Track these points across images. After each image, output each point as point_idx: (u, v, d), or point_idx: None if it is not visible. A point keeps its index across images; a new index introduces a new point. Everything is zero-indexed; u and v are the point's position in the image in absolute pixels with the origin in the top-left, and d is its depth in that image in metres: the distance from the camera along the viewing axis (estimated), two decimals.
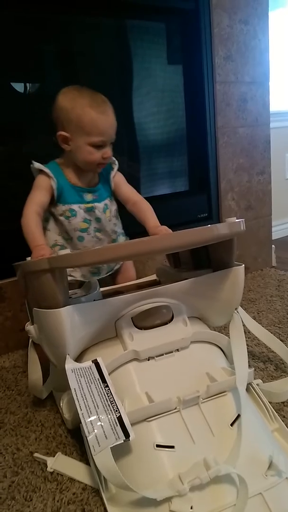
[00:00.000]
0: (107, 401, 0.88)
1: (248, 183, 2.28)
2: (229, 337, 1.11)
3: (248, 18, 2.09)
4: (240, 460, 0.83)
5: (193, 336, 1.06)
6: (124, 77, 1.92)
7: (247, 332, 1.15)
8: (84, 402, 0.87)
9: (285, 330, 1.64)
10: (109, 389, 0.91)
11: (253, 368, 1.09)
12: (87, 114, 1.28)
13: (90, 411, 0.86)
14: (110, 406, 0.87)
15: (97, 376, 0.93)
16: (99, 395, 0.89)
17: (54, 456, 1.05)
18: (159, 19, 1.96)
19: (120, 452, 0.86)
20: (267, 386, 1.22)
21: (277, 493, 0.83)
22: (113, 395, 0.90)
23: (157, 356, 1.02)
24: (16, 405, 1.32)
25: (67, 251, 0.93)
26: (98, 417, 0.85)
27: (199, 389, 0.95)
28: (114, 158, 1.42)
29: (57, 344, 0.98)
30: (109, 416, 0.85)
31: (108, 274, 1.56)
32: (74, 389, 0.89)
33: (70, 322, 0.96)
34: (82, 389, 0.90)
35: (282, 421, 1.06)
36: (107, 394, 0.90)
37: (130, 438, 0.83)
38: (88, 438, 0.82)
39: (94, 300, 1.12)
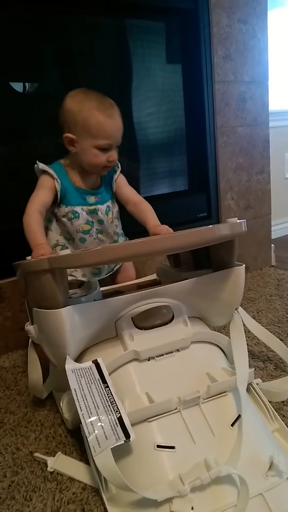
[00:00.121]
0: (107, 402, 0.88)
1: (247, 183, 2.28)
2: (229, 337, 1.11)
3: (247, 18, 2.08)
4: (241, 461, 0.83)
5: (194, 336, 1.06)
6: (124, 77, 1.92)
7: (246, 331, 1.15)
8: (85, 402, 0.87)
9: (284, 329, 1.64)
10: (109, 389, 0.90)
11: (254, 368, 1.09)
12: (94, 117, 1.28)
13: (91, 412, 0.86)
14: (111, 406, 0.87)
15: (97, 376, 0.93)
16: (99, 395, 0.89)
17: (54, 456, 1.05)
18: (158, 19, 1.96)
19: (120, 452, 0.86)
20: (267, 385, 1.22)
21: (278, 494, 0.82)
22: (114, 395, 0.89)
23: (157, 356, 1.02)
24: (16, 405, 1.32)
25: (67, 251, 0.93)
26: (99, 417, 0.85)
27: (200, 389, 0.95)
28: (117, 161, 1.42)
29: (57, 344, 0.97)
30: (109, 417, 0.85)
31: (109, 274, 1.56)
32: (74, 389, 0.89)
33: (70, 322, 0.96)
34: (82, 389, 0.90)
35: (282, 420, 1.06)
36: (108, 394, 0.89)
37: (130, 438, 0.82)
38: (88, 439, 0.82)
39: (94, 300, 1.12)
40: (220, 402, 0.96)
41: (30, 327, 1.07)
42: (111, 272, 1.57)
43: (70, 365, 0.95)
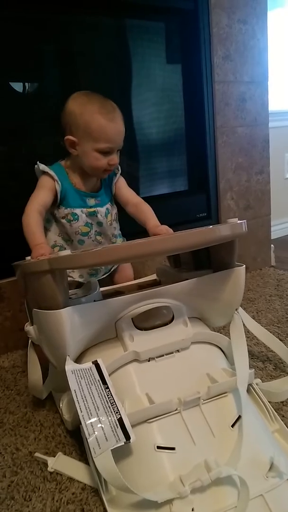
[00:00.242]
0: (107, 403, 0.88)
1: (247, 183, 2.28)
2: (228, 337, 1.11)
3: (247, 18, 2.08)
4: (241, 462, 0.83)
5: (194, 337, 1.06)
6: (123, 77, 1.92)
7: (246, 332, 1.15)
8: (85, 403, 0.87)
9: (284, 329, 1.64)
10: (109, 390, 0.90)
11: (254, 369, 1.09)
12: (96, 120, 1.28)
13: (91, 413, 0.85)
14: (111, 407, 0.87)
15: (97, 377, 0.93)
16: (99, 396, 0.89)
17: (53, 456, 1.05)
18: (158, 19, 1.95)
19: (120, 453, 0.86)
20: (266, 385, 1.22)
21: (278, 495, 0.82)
22: (114, 396, 0.89)
23: (157, 357, 1.02)
24: (15, 405, 1.32)
25: (67, 252, 0.92)
26: (99, 419, 0.84)
27: (200, 390, 0.95)
28: (118, 164, 1.42)
29: (57, 345, 0.97)
30: (109, 418, 0.85)
31: (106, 275, 1.56)
32: (74, 390, 0.89)
33: (70, 323, 0.95)
34: (82, 390, 0.89)
35: (282, 420, 1.06)
36: (108, 395, 0.89)
37: (131, 440, 0.82)
38: (88, 440, 0.81)
39: (94, 301, 1.11)
40: (220, 403, 0.96)
41: (29, 328, 1.06)
42: (108, 273, 1.57)
43: (70, 366, 0.94)
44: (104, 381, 0.92)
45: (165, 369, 1.00)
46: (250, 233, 2.33)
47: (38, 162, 1.36)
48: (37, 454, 1.06)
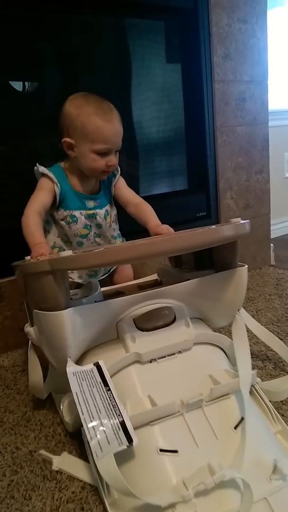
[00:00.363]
0: (109, 405, 0.87)
1: (246, 182, 2.28)
2: (230, 338, 1.10)
3: (247, 17, 2.08)
4: (244, 464, 0.82)
5: (196, 338, 1.05)
6: (123, 76, 1.91)
7: (246, 331, 1.14)
8: (86, 406, 0.86)
9: (283, 328, 1.64)
10: (111, 392, 0.89)
11: (256, 370, 1.08)
12: (92, 121, 1.27)
13: (92, 416, 0.84)
14: (113, 410, 0.86)
15: (98, 379, 0.92)
16: (101, 399, 0.88)
17: (53, 455, 1.05)
18: (158, 18, 1.95)
19: (122, 457, 0.85)
20: (266, 384, 1.21)
21: (282, 498, 0.82)
22: (115, 398, 0.88)
23: (159, 358, 1.01)
24: (15, 404, 1.31)
25: (69, 252, 0.91)
26: (101, 421, 0.83)
27: (202, 391, 0.94)
28: (117, 165, 1.41)
29: (58, 346, 0.96)
30: (111, 421, 0.84)
31: (105, 275, 1.55)
32: (76, 393, 0.88)
33: (71, 324, 0.94)
34: (84, 393, 0.88)
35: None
36: (109, 398, 0.88)
37: (133, 443, 0.81)
38: (90, 444, 0.81)
39: (95, 302, 1.10)
40: (223, 404, 0.95)
41: (30, 329, 1.05)
42: (108, 274, 1.56)
43: (71, 368, 0.93)
44: (105, 383, 0.91)
45: (167, 371, 0.99)
46: (249, 232, 2.31)
47: (37, 164, 1.35)
48: (42, 452, 1.06)
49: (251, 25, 2.10)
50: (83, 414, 0.84)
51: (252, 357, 1.41)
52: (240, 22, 2.06)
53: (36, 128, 1.73)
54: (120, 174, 1.48)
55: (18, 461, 1.07)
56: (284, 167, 3.05)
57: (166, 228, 1.32)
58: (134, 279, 1.55)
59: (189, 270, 1.31)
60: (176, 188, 2.18)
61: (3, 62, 1.60)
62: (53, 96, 1.74)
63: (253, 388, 1.07)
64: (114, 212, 1.49)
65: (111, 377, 0.94)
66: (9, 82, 1.65)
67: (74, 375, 0.92)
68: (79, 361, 1.05)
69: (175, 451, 0.86)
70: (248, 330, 1.22)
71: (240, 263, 1.13)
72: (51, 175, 1.33)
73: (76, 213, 1.37)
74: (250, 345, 1.47)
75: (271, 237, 2.50)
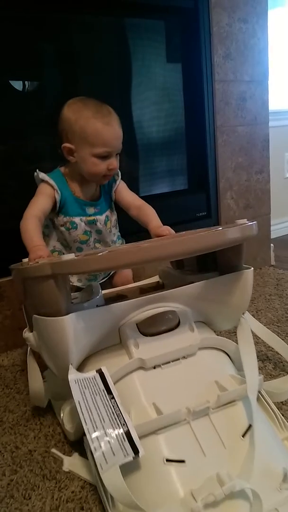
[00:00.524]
0: (113, 414, 0.84)
1: (247, 182, 2.27)
2: (234, 341, 1.08)
3: (247, 17, 2.07)
4: (253, 474, 0.80)
5: (201, 343, 1.02)
6: (123, 76, 1.90)
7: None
8: (89, 415, 0.83)
9: (283, 328, 1.64)
10: (115, 400, 0.86)
11: (263, 375, 1.05)
12: (91, 125, 1.25)
13: (96, 426, 0.81)
14: (117, 419, 0.83)
15: (101, 386, 0.89)
16: (104, 407, 0.85)
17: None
18: (158, 18, 1.94)
19: (127, 468, 0.81)
20: (266, 385, 1.17)
21: None
22: (119, 407, 0.85)
23: (163, 364, 0.98)
24: (15, 404, 1.31)
25: (71, 256, 0.88)
26: (105, 431, 0.81)
27: (209, 398, 0.91)
28: (118, 170, 1.39)
29: (60, 353, 0.93)
30: (116, 431, 0.81)
31: (105, 279, 1.54)
32: (79, 401, 0.85)
33: (73, 330, 0.91)
34: (87, 401, 0.85)
35: None
36: (113, 406, 0.85)
37: (139, 454, 0.78)
38: (95, 456, 0.78)
39: (97, 306, 1.07)
40: (230, 411, 0.92)
41: (29, 335, 1.03)
42: (107, 277, 1.55)
43: (73, 376, 0.90)
44: (109, 391, 0.88)
45: (172, 377, 0.97)
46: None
47: (37, 170, 1.33)
48: (54, 451, 1.06)
49: (251, 25, 2.09)
50: (86, 424, 0.81)
51: None
52: (241, 22, 2.05)
53: (36, 128, 1.71)
54: (121, 178, 1.46)
55: (18, 460, 1.07)
56: (284, 167, 3.03)
57: (168, 229, 1.30)
58: (134, 281, 1.53)
59: (191, 272, 1.29)
60: (176, 188, 2.17)
61: (3, 62, 1.59)
62: (53, 96, 1.72)
63: (259, 393, 1.04)
64: (114, 217, 1.48)
65: (114, 384, 0.91)
66: (9, 81, 1.64)
67: (76, 382, 0.89)
68: (80, 368, 1.02)
69: (182, 461, 0.83)
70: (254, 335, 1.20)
71: (245, 265, 1.11)
72: (51, 182, 1.31)
73: (76, 219, 1.36)
74: None
75: (271, 237, 2.50)
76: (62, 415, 1.09)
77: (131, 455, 0.78)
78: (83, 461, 1.01)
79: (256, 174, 2.30)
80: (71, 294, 1.19)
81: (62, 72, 1.78)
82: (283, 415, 1.09)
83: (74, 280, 1.44)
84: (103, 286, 1.42)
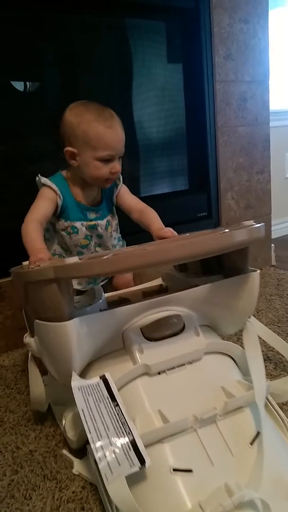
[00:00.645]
0: (118, 422, 0.81)
1: (247, 182, 2.27)
2: (240, 346, 1.05)
3: (248, 17, 2.07)
4: (263, 483, 0.78)
5: (206, 347, 1.00)
6: (124, 76, 1.89)
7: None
8: (93, 424, 0.80)
9: (284, 329, 1.64)
10: (119, 408, 0.84)
11: (269, 381, 1.03)
12: (93, 128, 1.24)
13: (100, 434, 0.79)
14: (122, 427, 0.80)
15: (105, 393, 0.86)
16: (109, 415, 0.82)
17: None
18: (159, 18, 1.93)
19: (132, 477, 0.78)
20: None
21: None
22: (124, 414, 0.83)
23: (168, 370, 0.95)
24: (16, 404, 1.31)
25: (75, 259, 0.86)
26: (109, 440, 0.78)
27: (216, 405, 0.89)
28: (120, 174, 1.38)
29: (62, 359, 0.91)
30: (121, 440, 0.78)
31: (104, 282, 1.53)
32: (82, 409, 0.82)
33: (76, 335, 0.89)
34: (91, 409, 0.83)
35: None
36: (118, 414, 0.83)
37: (146, 464, 0.76)
38: (99, 466, 0.75)
39: (100, 310, 1.05)
40: (237, 418, 0.90)
41: (29, 340, 1.00)
42: (107, 279, 1.54)
43: (76, 382, 0.88)
44: (113, 398, 0.85)
45: (177, 383, 0.94)
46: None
47: (39, 175, 1.32)
48: (64, 452, 1.05)
49: (252, 25, 2.09)
50: (90, 432, 0.79)
51: None
52: (242, 22, 2.04)
53: (37, 128, 1.70)
54: (122, 181, 1.45)
55: (19, 460, 1.06)
56: (285, 168, 3.03)
57: (170, 231, 1.29)
58: (134, 282, 1.52)
59: (195, 275, 1.26)
60: (177, 188, 2.17)
61: (4, 62, 1.58)
62: (53, 96, 1.72)
63: (266, 399, 1.01)
64: (115, 221, 1.47)
65: (118, 390, 0.88)
66: (10, 82, 1.63)
67: (79, 390, 0.86)
68: (83, 374, 0.99)
69: (190, 471, 0.80)
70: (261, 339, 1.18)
71: (251, 268, 1.09)
72: (54, 187, 1.30)
73: (77, 224, 1.35)
74: None
75: (272, 238, 2.49)
76: (64, 422, 1.07)
77: (137, 466, 0.76)
78: (91, 464, 0.98)
79: (257, 174, 2.29)
80: (75, 297, 1.18)
81: (62, 72, 1.77)
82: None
83: (74, 283, 1.41)
84: (104, 288, 1.41)
